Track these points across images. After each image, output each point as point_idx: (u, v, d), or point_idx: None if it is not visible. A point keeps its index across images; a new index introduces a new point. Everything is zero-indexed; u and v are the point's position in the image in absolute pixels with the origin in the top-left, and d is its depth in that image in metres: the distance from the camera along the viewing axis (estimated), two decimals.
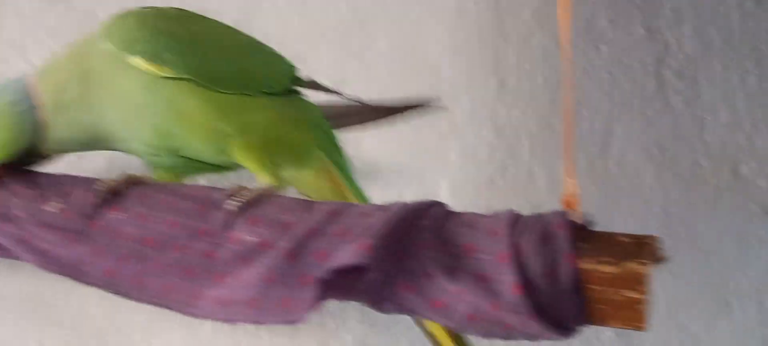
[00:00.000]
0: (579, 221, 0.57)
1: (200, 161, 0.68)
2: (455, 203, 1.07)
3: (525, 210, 1.04)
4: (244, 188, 0.62)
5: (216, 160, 0.68)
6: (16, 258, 0.62)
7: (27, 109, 0.64)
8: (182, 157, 0.67)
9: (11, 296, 1.05)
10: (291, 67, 0.77)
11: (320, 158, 0.76)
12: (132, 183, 0.63)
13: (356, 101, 0.85)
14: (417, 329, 0.78)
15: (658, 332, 1.01)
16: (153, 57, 0.62)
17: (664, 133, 1.05)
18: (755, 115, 1.04)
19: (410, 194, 1.02)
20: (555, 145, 1.05)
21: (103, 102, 0.64)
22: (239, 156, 0.67)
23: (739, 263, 1.02)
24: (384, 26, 1.07)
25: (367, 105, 0.87)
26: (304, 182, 0.76)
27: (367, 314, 1.06)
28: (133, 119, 0.64)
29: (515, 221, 0.57)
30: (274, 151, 0.69)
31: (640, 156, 1.04)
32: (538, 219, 0.56)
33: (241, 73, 0.68)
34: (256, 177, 0.69)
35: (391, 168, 1.05)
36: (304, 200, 0.62)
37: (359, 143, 1.07)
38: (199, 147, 0.66)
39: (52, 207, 0.59)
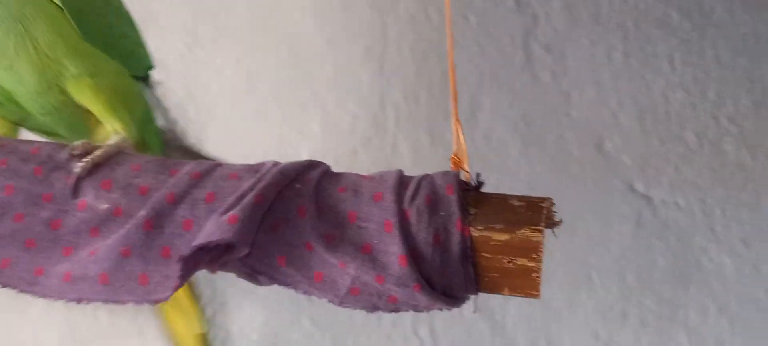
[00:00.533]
0: (468, 181, 0.52)
1: (25, 109, 0.60)
2: None
3: None
4: (92, 146, 0.54)
5: (43, 109, 0.60)
6: None
7: None
8: (10, 100, 0.59)
9: None
10: (149, 62, 0.72)
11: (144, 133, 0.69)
12: None
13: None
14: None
15: (520, 307, 1.00)
16: None
17: (530, 107, 1.03)
18: (620, 91, 1.03)
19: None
20: (420, 117, 1.01)
21: None
22: (84, 96, 0.59)
23: (601, 238, 1.02)
24: None
25: None
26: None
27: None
28: None
29: (401, 184, 0.51)
30: (122, 103, 0.62)
31: (507, 129, 1.02)
32: (427, 182, 0.51)
33: (110, 33, 0.64)
34: (104, 125, 0.61)
35: (250, 137, 0.98)
36: (162, 159, 0.55)
37: (215, 108, 1.00)
38: (31, 80, 0.57)
39: None
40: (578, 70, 1.04)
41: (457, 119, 0.57)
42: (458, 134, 0.56)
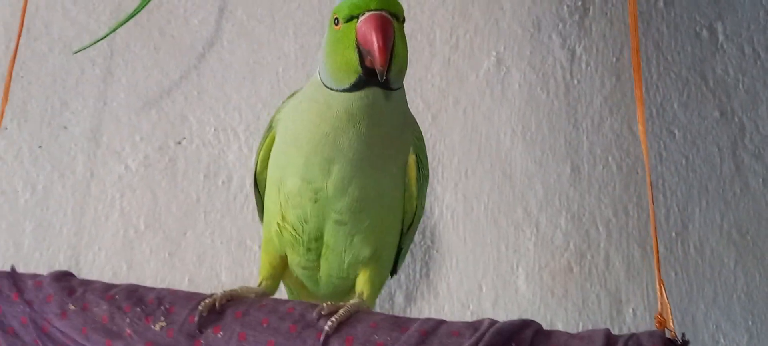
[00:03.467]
0: (674, 338, 0.56)
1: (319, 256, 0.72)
2: (531, 291, 1.08)
3: (603, 297, 1.04)
4: (337, 306, 0.64)
5: (337, 271, 0.72)
6: None
7: None
8: (317, 241, 0.70)
9: None
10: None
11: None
12: (230, 299, 0.65)
13: None
14: None
15: None
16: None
17: (743, 215, 1.03)
18: None
19: (487, 283, 1.03)
20: (631, 230, 1.04)
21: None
22: (363, 275, 0.70)
23: None
24: (454, 116, 1.10)
25: None
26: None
27: None
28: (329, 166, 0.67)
29: (609, 344, 0.57)
30: (380, 282, 0.72)
31: (720, 240, 1.03)
32: (633, 342, 0.56)
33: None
34: (357, 293, 0.71)
35: (469, 257, 1.06)
36: (394, 317, 0.63)
37: (436, 231, 1.09)
38: (339, 251, 0.70)
39: (158, 326, 0.62)
40: None
41: (660, 279, 0.60)
42: (662, 293, 0.59)
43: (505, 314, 1.01)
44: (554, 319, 1.00)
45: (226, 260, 1.05)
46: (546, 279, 1.03)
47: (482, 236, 1.05)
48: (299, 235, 0.70)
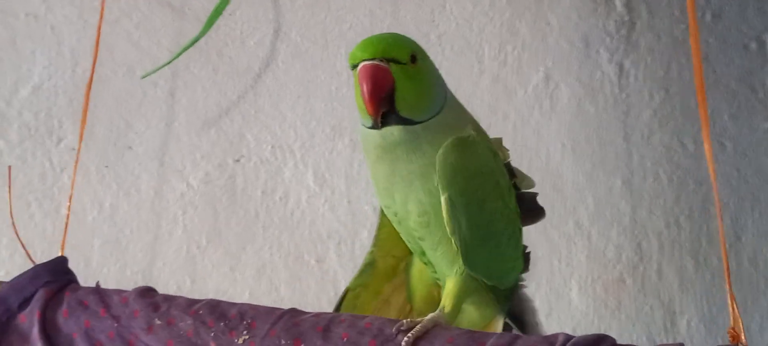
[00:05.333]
0: None
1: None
2: (585, 304, 1.09)
3: (656, 308, 1.05)
4: (414, 322, 0.66)
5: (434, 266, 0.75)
6: None
7: None
8: (423, 255, 0.75)
9: None
10: (516, 277, 0.82)
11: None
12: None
13: None
14: None
15: None
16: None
17: None
18: None
19: (541, 296, 1.05)
20: (683, 241, 1.05)
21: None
22: (445, 290, 0.72)
23: None
24: (503, 131, 1.12)
25: None
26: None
27: None
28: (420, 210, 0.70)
29: None
30: (461, 298, 0.73)
31: None
32: None
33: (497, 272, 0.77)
34: (439, 307, 0.72)
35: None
36: (470, 332, 0.65)
37: None
38: (434, 254, 0.73)
39: (241, 340, 0.66)
40: None
41: (732, 293, 0.61)
42: (733, 308, 0.60)
43: (558, 327, 1.03)
44: (608, 331, 1.01)
45: (284, 273, 1.09)
46: (599, 292, 1.05)
47: (534, 249, 1.06)
48: (414, 252, 0.77)
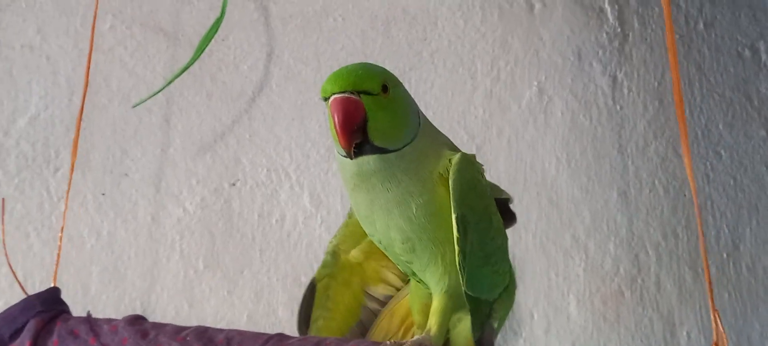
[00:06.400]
0: None
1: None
2: (583, 317, 1.09)
3: (656, 321, 1.04)
4: (402, 343, 0.67)
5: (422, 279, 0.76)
6: None
7: None
8: (414, 275, 0.75)
9: None
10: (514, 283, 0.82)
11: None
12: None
13: None
14: None
15: None
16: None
17: None
18: None
19: (538, 311, 1.04)
20: (681, 252, 1.04)
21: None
22: (431, 310, 0.72)
23: None
24: (498, 146, 1.12)
25: None
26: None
27: None
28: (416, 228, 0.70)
29: None
30: (448, 318, 0.74)
31: None
32: None
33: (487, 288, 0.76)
34: (426, 329, 0.73)
35: (519, 286, 1.07)
36: None
37: None
38: (423, 274, 0.73)
39: None
40: None
41: (714, 308, 0.61)
42: (717, 323, 0.60)
43: (557, 342, 1.02)
44: (608, 344, 1.01)
45: (282, 296, 1.09)
46: (597, 305, 1.04)
47: (532, 264, 1.06)
48: (405, 273, 0.77)
